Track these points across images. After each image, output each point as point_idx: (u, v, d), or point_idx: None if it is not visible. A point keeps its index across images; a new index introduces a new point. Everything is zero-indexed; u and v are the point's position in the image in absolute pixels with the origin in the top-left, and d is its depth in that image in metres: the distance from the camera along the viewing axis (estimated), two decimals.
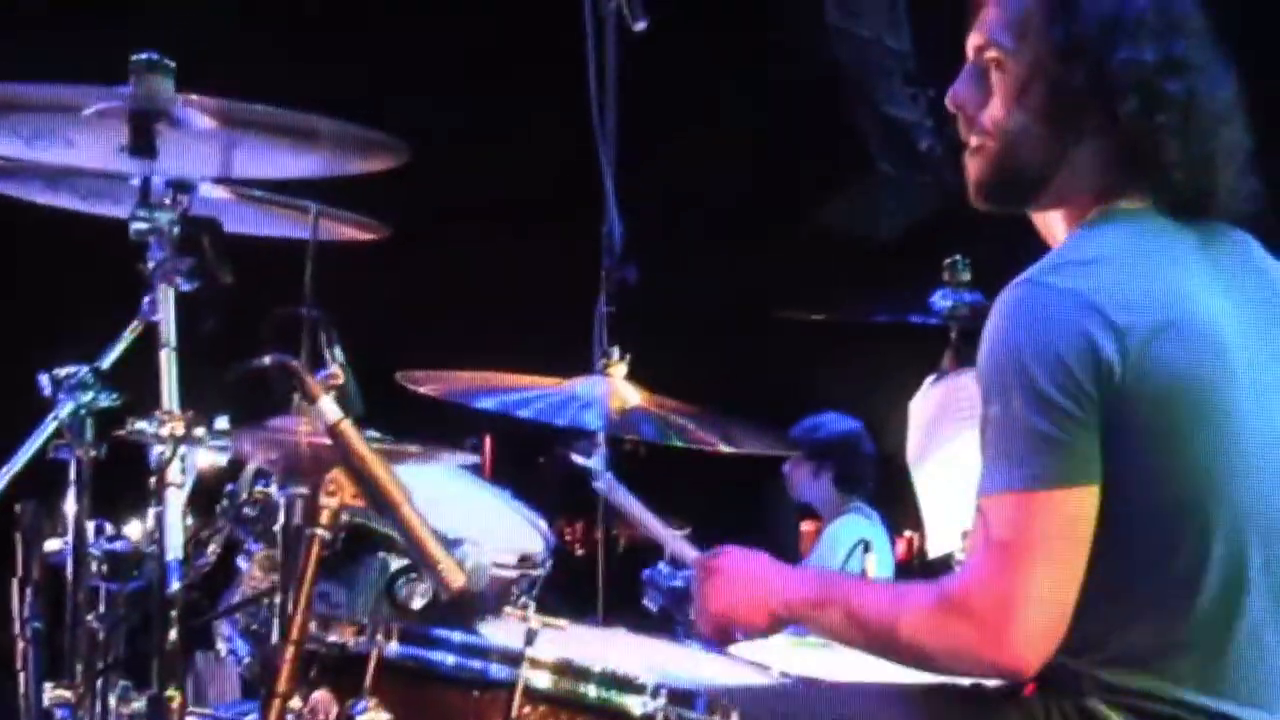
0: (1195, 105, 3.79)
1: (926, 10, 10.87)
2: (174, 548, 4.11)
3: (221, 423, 4.17)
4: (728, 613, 4.09)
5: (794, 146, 10.72)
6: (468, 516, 4.93)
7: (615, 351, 5.28)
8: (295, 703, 3.66)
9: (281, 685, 3.62)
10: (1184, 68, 3.79)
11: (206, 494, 4.51)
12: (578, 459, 5.42)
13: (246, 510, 4.69)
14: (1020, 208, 4.01)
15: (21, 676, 4.19)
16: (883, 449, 8.97)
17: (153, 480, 4.15)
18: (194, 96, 4.16)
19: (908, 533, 10.06)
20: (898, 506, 8.78)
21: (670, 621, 5.21)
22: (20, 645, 4.18)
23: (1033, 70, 3.86)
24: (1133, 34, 3.78)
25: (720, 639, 4.17)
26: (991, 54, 3.90)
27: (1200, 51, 3.85)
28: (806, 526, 10.01)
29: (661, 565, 5.14)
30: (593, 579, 6.01)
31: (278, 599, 4.17)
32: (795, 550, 9.97)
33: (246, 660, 4.79)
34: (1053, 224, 3.96)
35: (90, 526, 4.31)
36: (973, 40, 3.95)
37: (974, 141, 3.97)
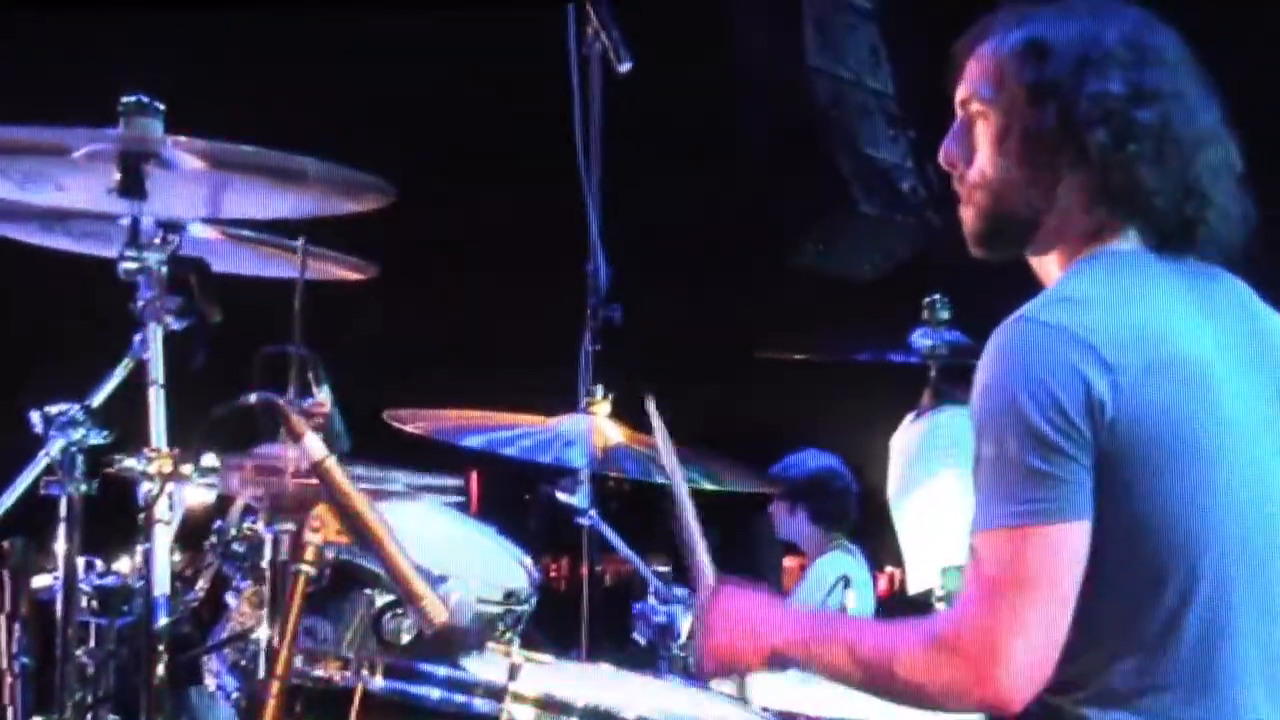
0: (1169, 132, 3.78)
1: (907, 53, 10.89)
2: (162, 583, 4.11)
3: (209, 459, 4.16)
4: (729, 648, 4.05)
5: (776, 187, 10.71)
6: (453, 553, 4.92)
7: (599, 390, 5.29)
8: None
9: (268, 719, 3.63)
10: (1155, 96, 3.78)
11: (195, 530, 4.50)
12: (562, 495, 5.43)
13: (235, 547, 4.69)
14: (1015, 253, 3.98)
15: (9, 712, 4.16)
16: (864, 485, 8.97)
17: (141, 516, 4.14)
18: (182, 138, 4.15)
19: (889, 568, 10.07)
20: (880, 542, 8.77)
21: (654, 656, 5.22)
22: (8, 680, 4.16)
23: (1009, 117, 3.87)
24: (1100, 69, 3.79)
25: (720, 674, 4.16)
26: (975, 107, 3.92)
27: (1175, 80, 3.83)
28: (789, 563, 10.02)
29: (650, 599, 5.15)
30: (577, 615, 6.01)
31: (265, 634, 4.14)
32: (779, 586, 9.96)
33: (235, 695, 4.79)
34: (1048, 266, 3.94)
35: (80, 562, 4.28)
36: (958, 95, 3.97)
37: (965, 194, 3.97)
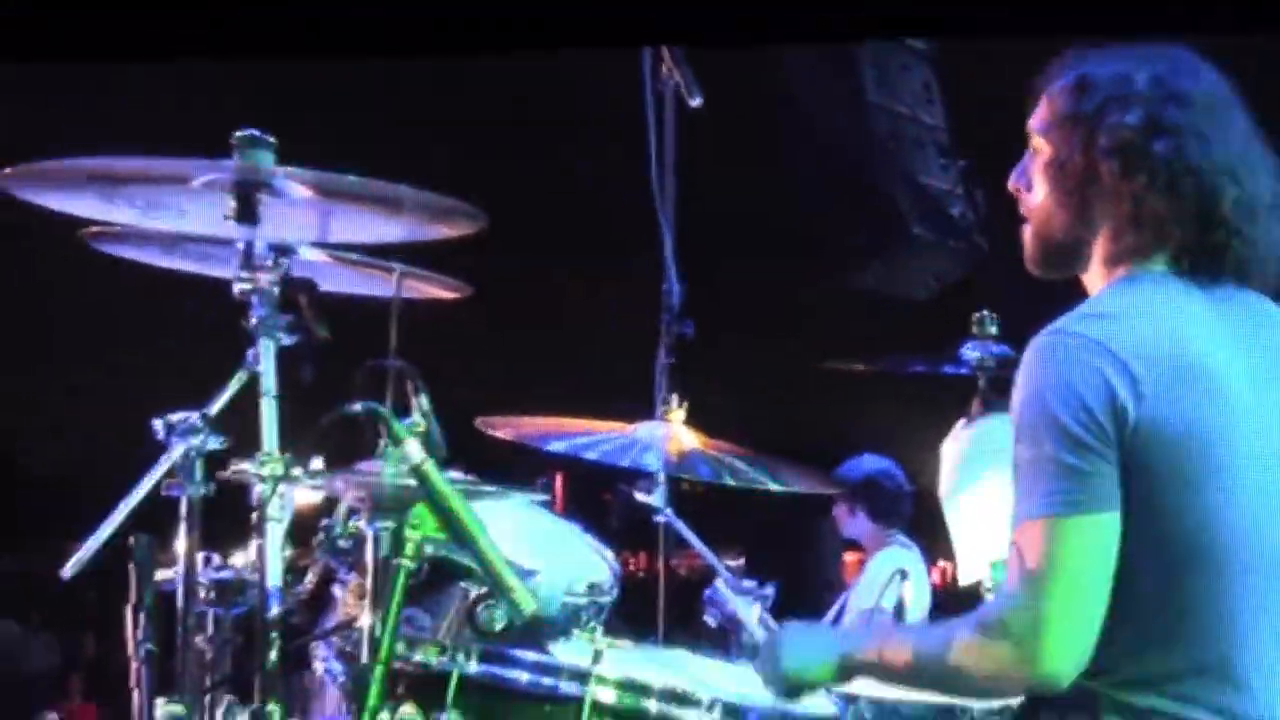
0: (1182, 164, 3.77)
1: (958, 89, 10.89)
2: (274, 576, 4.13)
3: (317, 463, 4.18)
4: (799, 670, 4.06)
5: (838, 214, 10.73)
6: (541, 547, 4.92)
7: (674, 399, 5.30)
8: (384, 716, 3.67)
9: (372, 701, 3.65)
10: (1172, 131, 3.78)
11: (304, 528, 4.52)
12: (640, 496, 5.43)
13: (340, 543, 4.69)
14: (1067, 273, 3.99)
15: (135, 694, 4.19)
16: (920, 485, 8.95)
17: (255, 515, 4.16)
18: (292, 169, 4.18)
19: (942, 562, 10.05)
20: (933, 538, 8.76)
21: (724, 639, 5.22)
22: (134, 665, 4.19)
23: (1054, 151, 3.90)
24: (1123, 104, 3.80)
25: (791, 696, 4.15)
26: (1035, 140, 3.95)
27: (1197, 116, 3.81)
28: (849, 558, 9.99)
29: (719, 584, 5.16)
30: (654, 604, 6.02)
31: (367, 623, 4.15)
32: (841, 579, 9.95)
33: (340, 679, 4.80)
34: (1094, 284, 3.93)
35: (199, 557, 4.30)
36: (1029, 127, 3.99)
37: (1026, 220, 4.01)
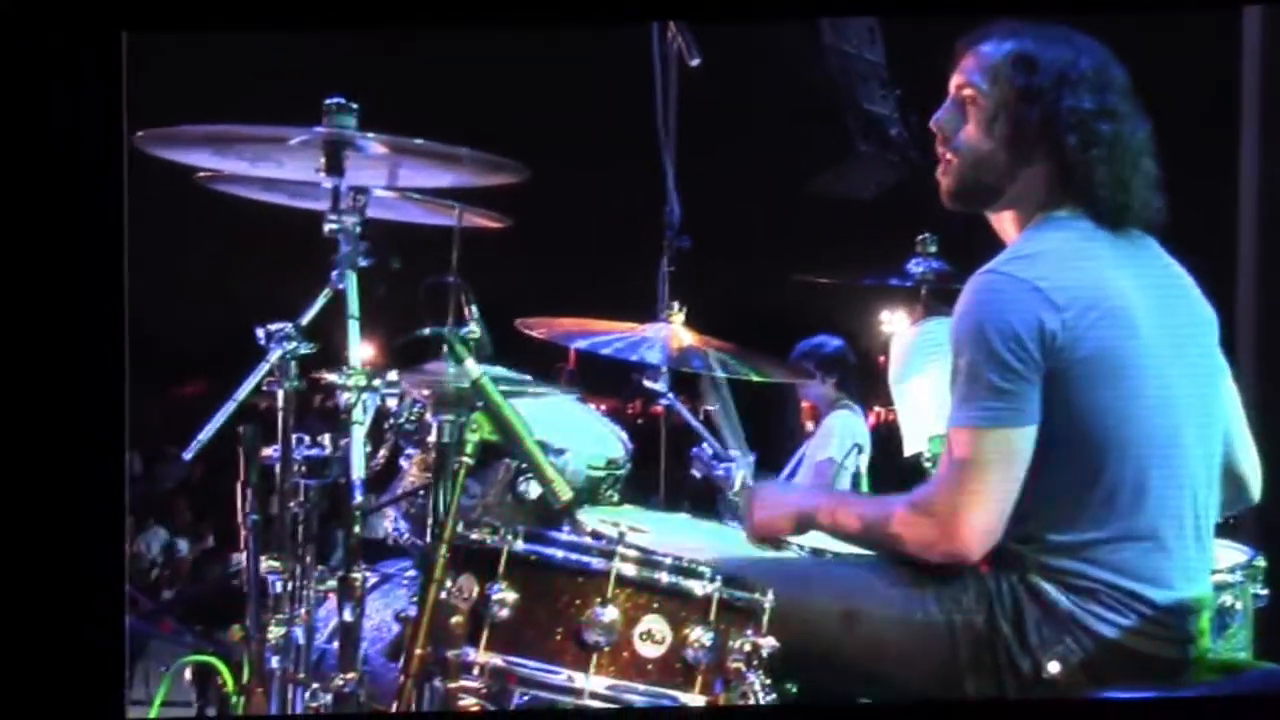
0: (1120, 143, 3.82)
1: (896, 33, 10.89)
2: (358, 469, 4.06)
3: (392, 375, 4.12)
4: (770, 521, 4.14)
5: (799, 136, 10.74)
6: (569, 431, 4.89)
7: (675, 304, 5.26)
8: (447, 584, 3.63)
9: (437, 574, 3.60)
10: (1113, 115, 3.82)
11: (378, 415, 4.45)
12: (648, 383, 5.41)
13: (407, 426, 4.66)
14: (978, 210, 4.00)
15: (245, 554, 4.14)
16: (873, 367, 9.00)
17: (341, 418, 4.09)
18: (370, 134, 4.13)
19: (877, 408, 10.07)
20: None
21: (711, 490, 5.21)
22: (243, 532, 4.14)
23: (999, 108, 3.88)
24: (1076, 87, 3.81)
25: (765, 541, 4.20)
26: (968, 91, 3.92)
27: (1125, 103, 3.86)
28: (805, 404, 9.88)
29: (705, 446, 5.14)
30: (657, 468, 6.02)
31: (430, 493, 4.09)
32: (800, 427, 9.88)
33: (407, 537, 4.77)
34: (1005, 223, 3.96)
35: (293, 439, 4.23)
36: (954, 80, 3.96)
37: (947, 157, 3.97)
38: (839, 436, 8.44)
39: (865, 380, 9.12)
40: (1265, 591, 4.63)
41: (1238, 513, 4.16)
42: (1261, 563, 4.63)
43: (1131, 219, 3.86)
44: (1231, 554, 4.55)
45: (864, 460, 5.36)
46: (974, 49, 3.95)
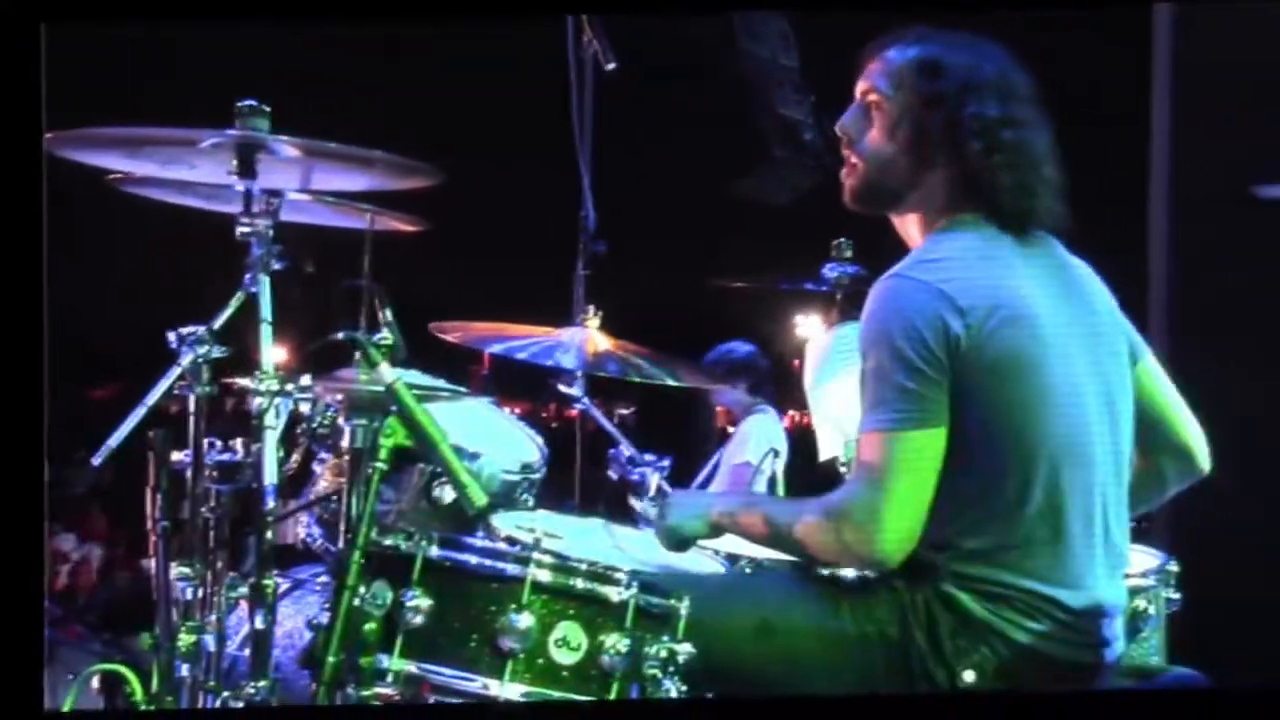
0: (1022, 149, 3.83)
1: (810, 39, 10.93)
2: (270, 473, 4.03)
3: (305, 379, 4.09)
4: (679, 524, 4.10)
5: (715, 141, 10.77)
6: (484, 435, 4.88)
7: (590, 308, 5.25)
8: (361, 591, 3.60)
9: (351, 580, 3.57)
10: (1015, 122, 3.83)
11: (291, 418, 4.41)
12: (563, 388, 5.40)
13: (320, 431, 4.62)
14: (881, 212, 4.02)
15: (154, 561, 4.11)
16: (788, 371, 9.00)
17: (254, 423, 4.05)
18: (283, 136, 4.10)
19: (792, 412, 10.09)
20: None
21: (626, 492, 5.21)
22: (153, 539, 4.10)
23: (903, 113, 3.89)
24: (980, 93, 3.82)
25: (675, 548, 4.17)
26: (873, 97, 3.92)
27: (1027, 111, 3.87)
28: (720, 409, 9.89)
29: (622, 448, 5.13)
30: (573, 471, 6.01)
31: (344, 498, 4.06)
32: (715, 431, 9.91)
33: (319, 543, 4.74)
34: (908, 226, 3.97)
35: (205, 444, 4.20)
36: (860, 85, 3.96)
37: (852, 160, 3.98)
38: (754, 440, 8.46)
39: (781, 385, 9.15)
40: (1177, 596, 4.65)
41: (1179, 491, 4.14)
42: (1174, 567, 4.65)
43: (1034, 223, 3.87)
44: (1144, 558, 4.57)
45: (780, 464, 5.35)
46: (880, 54, 3.95)
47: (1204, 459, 4.10)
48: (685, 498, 4.28)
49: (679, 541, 4.14)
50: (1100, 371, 3.84)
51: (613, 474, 5.19)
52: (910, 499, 3.62)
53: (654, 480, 5.18)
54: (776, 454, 5.42)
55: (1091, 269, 4.01)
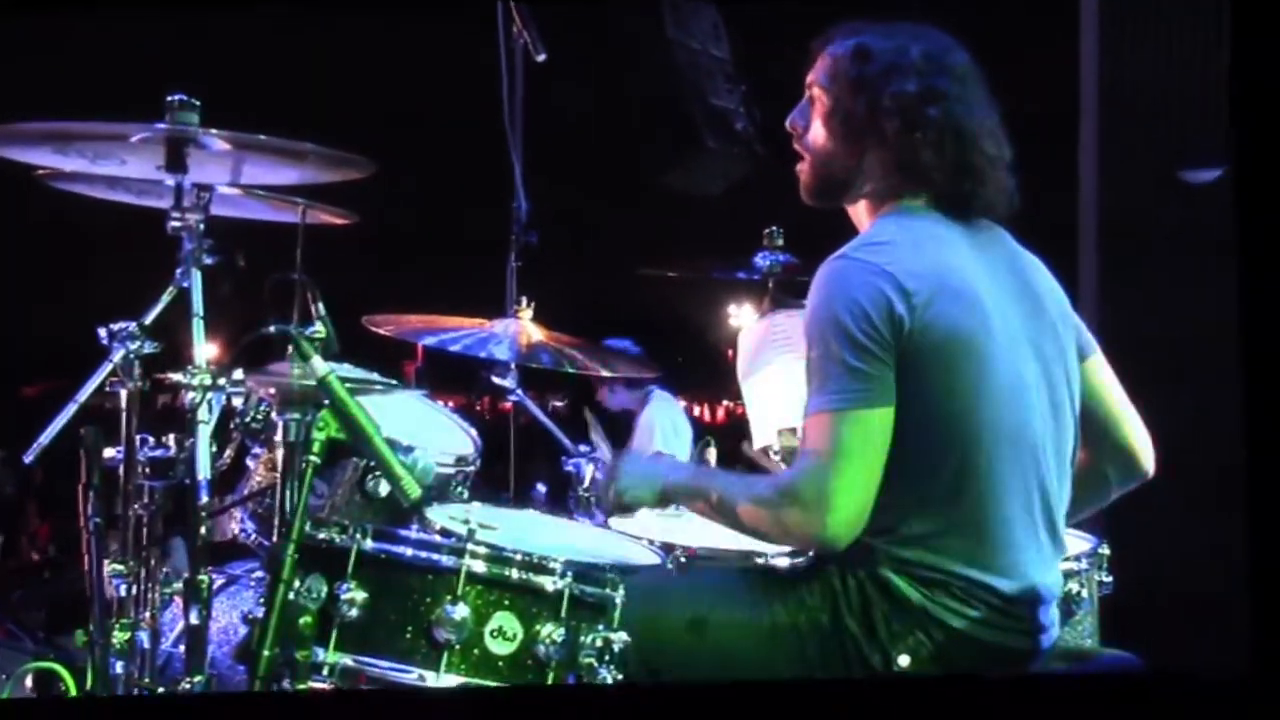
0: (949, 125, 3.83)
1: (740, 29, 10.92)
2: (203, 468, 4.02)
3: (238, 374, 4.07)
4: (627, 487, 4.07)
5: (646, 132, 10.73)
6: (419, 428, 4.85)
7: (523, 299, 5.24)
8: (296, 584, 3.59)
9: (285, 574, 3.56)
10: (941, 98, 3.83)
11: (224, 412, 4.40)
12: (497, 380, 5.39)
13: (253, 425, 4.60)
14: (835, 204, 4.01)
15: (87, 559, 4.09)
16: (720, 361, 8.99)
17: (187, 418, 4.04)
18: (213, 130, 4.09)
19: (726, 401, 10.12)
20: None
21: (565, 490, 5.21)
22: (85, 536, 4.08)
23: (835, 103, 3.91)
24: (904, 73, 3.83)
25: (620, 512, 4.23)
26: (814, 90, 3.95)
27: (960, 87, 3.87)
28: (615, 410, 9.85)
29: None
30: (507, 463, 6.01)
31: (277, 493, 4.04)
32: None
33: (254, 538, 4.72)
34: (860, 215, 3.97)
35: (137, 440, 4.18)
36: (807, 80, 3.98)
37: (802, 156, 4.00)
38: (659, 428, 8.50)
39: (711, 374, 9.16)
40: (1109, 579, 4.68)
41: (1133, 488, 4.15)
42: (1106, 550, 4.68)
43: (977, 205, 3.88)
44: (1077, 542, 4.59)
45: (712, 454, 5.35)
46: (824, 49, 3.97)
47: (1148, 461, 4.10)
48: (634, 463, 4.19)
49: (625, 506, 4.14)
50: (1045, 362, 3.85)
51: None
52: (859, 479, 3.60)
53: (589, 471, 5.19)
54: (709, 444, 5.42)
55: (1042, 263, 4.02)
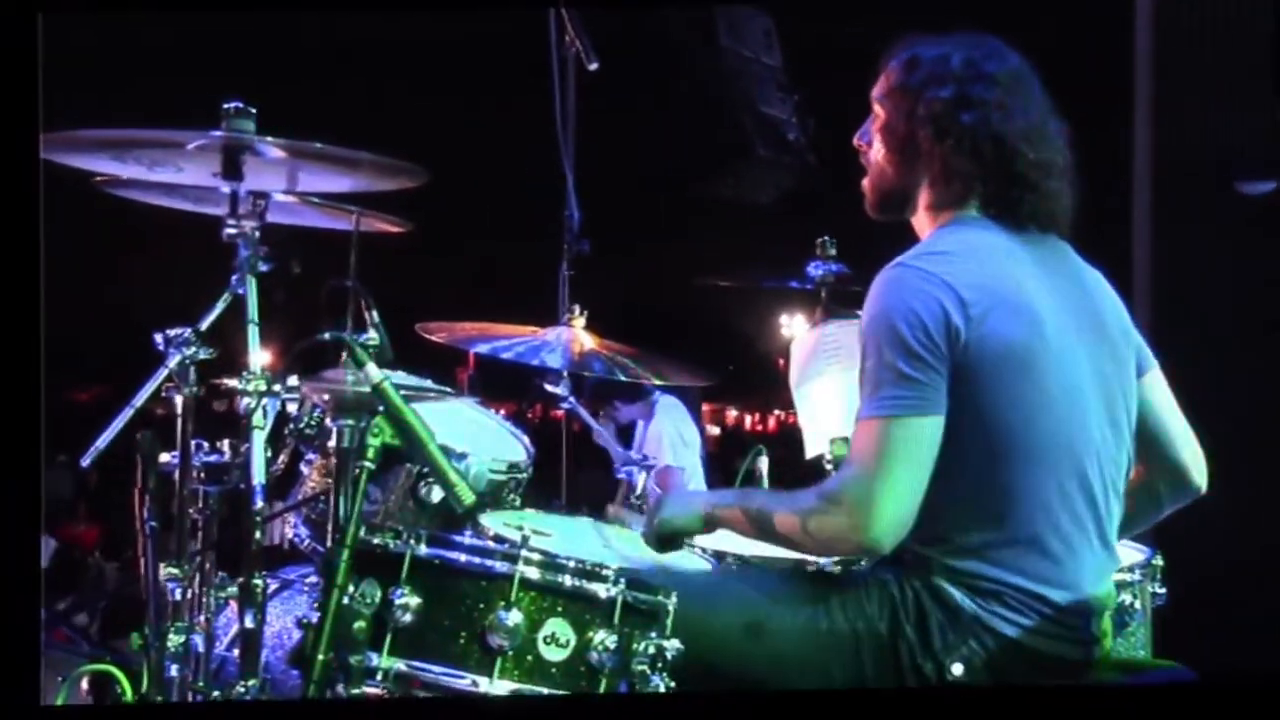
0: (986, 132, 3.83)
1: (793, 38, 10.92)
2: (258, 473, 4.03)
3: (293, 380, 4.09)
4: (670, 519, 4.06)
5: (696, 140, 10.75)
6: (471, 435, 4.88)
7: (575, 307, 5.26)
8: (350, 589, 3.59)
9: (340, 579, 3.56)
10: (977, 104, 3.83)
11: (278, 418, 4.42)
12: (549, 387, 5.40)
13: (307, 431, 4.64)
14: (897, 217, 4.02)
15: (143, 562, 4.11)
16: (772, 370, 8.98)
17: (242, 424, 4.06)
18: (269, 137, 4.10)
19: (778, 411, 10.11)
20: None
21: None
22: (141, 540, 4.10)
23: (888, 116, 3.94)
24: (941, 81, 3.85)
25: (665, 547, 4.13)
26: (875, 107, 3.97)
27: (1001, 93, 3.85)
28: (623, 425, 9.78)
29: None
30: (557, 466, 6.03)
31: (331, 498, 4.05)
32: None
33: (307, 543, 4.75)
34: (922, 226, 3.98)
35: (192, 445, 4.20)
36: (871, 95, 4.00)
37: (866, 171, 4.03)
38: (667, 438, 8.49)
39: (763, 383, 9.14)
40: (1163, 590, 4.66)
41: (1183, 506, 4.14)
42: (1159, 561, 4.67)
43: (1027, 212, 3.87)
44: (1130, 553, 4.58)
45: (764, 464, 5.34)
46: (886, 64, 3.99)
47: (1200, 478, 4.10)
48: (676, 495, 4.19)
49: (669, 538, 4.11)
50: (1103, 376, 3.84)
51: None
52: (905, 485, 3.59)
53: (642, 478, 5.21)
54: (761, 453, 5.41)
55: (1105, 278, 4.02)
